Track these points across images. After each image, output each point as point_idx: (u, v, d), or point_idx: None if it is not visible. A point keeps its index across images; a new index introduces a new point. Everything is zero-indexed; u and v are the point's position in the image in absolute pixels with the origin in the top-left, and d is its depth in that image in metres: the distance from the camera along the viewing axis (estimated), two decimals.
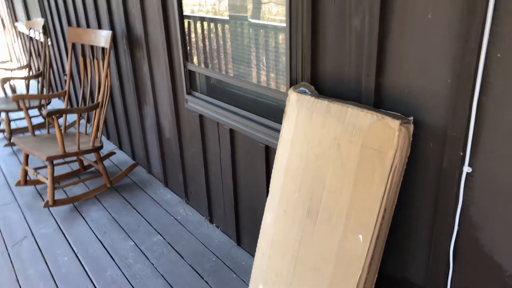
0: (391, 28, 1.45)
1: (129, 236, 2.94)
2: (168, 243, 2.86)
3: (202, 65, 2.64)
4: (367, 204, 1.50)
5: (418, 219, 1.56)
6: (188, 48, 2.70)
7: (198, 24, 2.62)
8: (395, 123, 1.40)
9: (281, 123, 1.97)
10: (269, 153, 2.23)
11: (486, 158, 1.29)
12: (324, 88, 1.77)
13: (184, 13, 2.61)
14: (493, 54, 1.20)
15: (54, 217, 3.21)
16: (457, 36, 1.27)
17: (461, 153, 1.34)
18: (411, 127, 1.43)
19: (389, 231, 1.60)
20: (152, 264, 2.66)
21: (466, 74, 1.26)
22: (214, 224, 3.04)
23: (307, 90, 1.76)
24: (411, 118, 1.43)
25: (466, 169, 1.34)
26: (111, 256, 2.73)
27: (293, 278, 1.75)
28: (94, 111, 3.36)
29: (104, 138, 4.68)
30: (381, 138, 1.45)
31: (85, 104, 4.80)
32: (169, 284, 2.47)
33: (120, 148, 4.38)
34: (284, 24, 1.85)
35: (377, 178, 1.46)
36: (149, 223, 3.09)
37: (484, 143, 1.28)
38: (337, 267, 1.58)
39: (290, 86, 1.87)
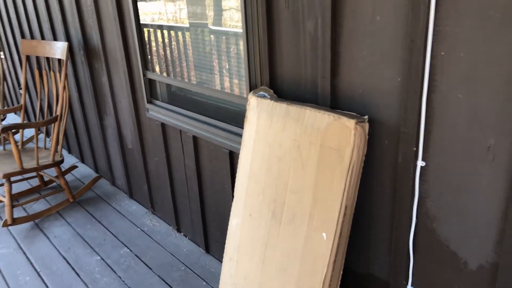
0: (343, 31, 1.50)
1: (94, 251, 2.87)
2: (135, 255, 2.82)
3: (163, 73, 2.63)
4: (328, 202, 1.54)
5: (378, 214, 1.61)
6: (148, 56, 2.68)
7: (159, 33, 2.61)
8: (350, 123, 1.45)
9: (243, 128, 1.99)
10: (233, 158, 2.24)
11: (438, 152, 1.35)
12: (283, 91, 1.80)
13: (144, 22, 2.59)
14: (437, 52, 1.26)
15: (14, 236, 3.09)
16: (404, 37, 1.33)
17: (414, 149, 1.40)
18: (367, 125, 1.48)
19: (352, 228, 1.64)
20: (120, 277, 2.61)
21: (414, 73, 1.32)
22: (182, 233, 3.02)
23: (266, 94, 1.79)
24: (366, 117, 1.49)
25: (420, 163, 1.41)
26: (76, 272, 2.66)
27: (261, 280, 1.76)
28: (53, 124, 3.27)
29: (65, 152, 4.56)
30: (339, 137, 1.49)
31: (43, 118, 4.66)
32: None
33: (82, 161, 4.27)
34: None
35: (337, 177, 1.50)
36: (115, 236, 3.03)
37: (434, 138, 1.35)
38: (303, 265, 1.61)
39: (250, 91, 1.90)
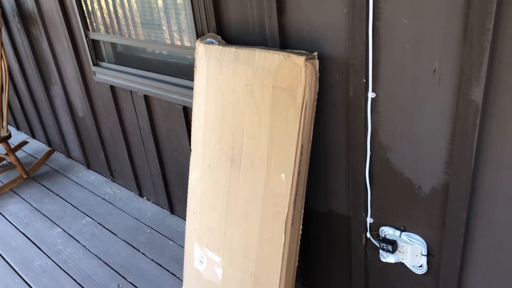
0: None
1: (55, 223, 2.79)
2: (98, 223, 2.76)
3: (107, 33, 2.50)
4: (284, 143, 1.53)
5: (334, 151, 1.63)
6: (88, 16, 2.53)
7: None
8: (300, 60, 1.43)
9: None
10: (187, 114, 2.19)
11: (387, 82, 1.37)
12: (231, 36, 1.75)
13: None
14: None
15: None
16: None
17: (364, 80, 1.40)
18: (317, 62, 1.47)
19: (310, 168, 1.66)
20: (84, 246, 2.56)
21: (359, 2, 1.30)
22: (145, 198, 2.98)
23: (214, 41, 1.73)
24: (315, 53, 1.47)
25: (370, 94, 1.42)
26: (37, 246, 2.58)
27: (226, 228, 1.77)
28: None
29: (14, 130, 4.33)
30: (290, 76, 1.47)
31: None
32: (105, 263, 2.40)
33: (33, 137, 4.09)
34: None
35: (291, 116, 1.50)
36: (75, 207, 2.95)
37: (383, 67, 1.35)
38: (265, 208, 1.62)
39: (197, 39, 1.83)
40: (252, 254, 1.69)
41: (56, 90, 3.24)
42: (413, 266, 1.57)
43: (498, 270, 1.35)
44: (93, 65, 2.64)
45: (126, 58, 2.52)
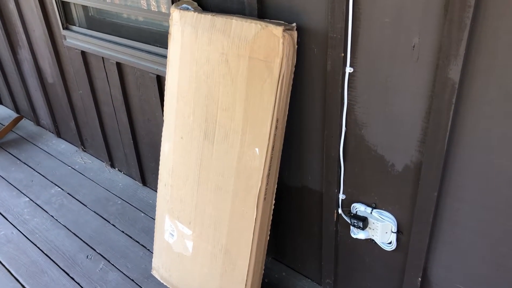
0: None
1: (22, 192, 2.71)
2: (67, 193, 2.69)
3: None
4: (259, 116, 1.50)
5: (309, 126, 1.61)
6: None
7: None
8: (278, 30, 1.38)
9: None
10: (161, 83, 2.12)
11: (365, 57, 1.34)
12: (207, 3, 1.68)
13: None
14: None
15: None
16: None
17: (342, 54, 1.37)
18: (295, 33, 1.43)
19: (285, 143, 1.63)
20: (52, 216, 2.49)
21: None
22: (116, 168, 2.91)
23: (190, 7, 1.66)
24: (294, 24, 1.42)
25: (348, 69, 1.39)
26: (2, 215, 2.51)
27: (197, 201, 1.74)
28: None
29: None
30: (267, 47, 1.42)
31: None
32: (73, 233, 2.35)
33: (0, 102, 3.92)
34: None
35: (267, 89, 1.46)
36: (43, 177, 2.86)
37: (362, 42, 1.32)
38: (238, 182, 1.59)
39: (172, 4, 1.75)
40: (223, 227, 1.68)
41: (24, 54, 3.09)
42: (383, 242, 1.59)
43: (464, 249, 1.38)
44: (63, 28, 2.51)
45: (99, 22, 2.40)
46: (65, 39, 2.54)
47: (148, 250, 2.22)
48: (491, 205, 1.26)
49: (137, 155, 2.61)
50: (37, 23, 2.74)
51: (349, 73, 1.39)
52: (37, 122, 3.51)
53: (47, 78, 3.03)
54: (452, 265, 1.43)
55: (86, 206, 2.57)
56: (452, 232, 1.39)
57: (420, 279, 1.53)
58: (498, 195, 1.23)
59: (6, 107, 3.86)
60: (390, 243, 1.57)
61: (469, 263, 1.39)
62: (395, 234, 1.53)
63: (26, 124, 3.56)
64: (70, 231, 2.37)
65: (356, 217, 1.59)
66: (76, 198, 2.65)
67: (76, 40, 2.46)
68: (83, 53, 2.49)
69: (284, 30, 1.38)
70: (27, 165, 3.00)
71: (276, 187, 1.63)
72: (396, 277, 1.63)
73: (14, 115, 3.70)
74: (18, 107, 3.68)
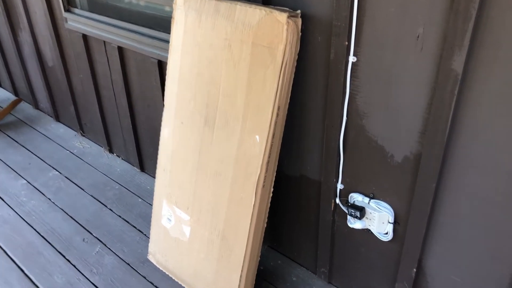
0: None
1: (19, 175, 2.70)
2: (65, 177, 2.69)
3: None
4: (261, 103, 1.50)
5: (310, 114, 1.61)
6: None
7: None
8: (282, 17, 1.37)
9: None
10: (162, 69, 2.11)
11: (369, 46, 1.33)
12: None
13: None
14: None
15: None
16: None
17: (346, 43, 1.36)
18: (299, 21, 1.42)
19: (285, 131, 1.63)
20: (49, 199, 2.49)
21: None
22: (115, 154, 2.91)
23: None
24: (299, 11, 1.42)
25: (351, 58, 1.39)
26: None
27: (196, 187, 1.74)
28: None
29: None
30: (271, 34, 1.42)
31: None
32: (70, 216, 2.36)
33: None
34: None
35: (269, 76, 1.46)
36: (42, 160, 2.86)
37: (366, 31, 1.32)
38: (237, 169, 1.60)
39: None
40: (221, 214, 1.68)
41: (25, 36, 3.07)
42: (379, 233, 1.60)
43: (460, 241, 1.39)
44: (65, 11, 2.49)
45: (101, 5, 2.38)
46: (67, 21, 2.52)
47: (145, 235, 2.22)
48: (489, 198, 1.27)
49: (136, 140, 2.61)
50: (38, 5, 2.72)
51: (352, 62, 1.39)
52: (36, 106, 3.50)
53: (47, 61, 3.01)
54: (447, 257, 1.45)
55: (83, 190, 2.57)
56: (449, 224, 1.39)
57: (415, 270, 1.54)
58: (496, 188, 1.24)
59: (5, 89, 3.84)
60: (386, 233, 1.57)
61: (464, 255, 1.40)
62: (391, 225, 1.54)
63: (25, 107, 3.55)
64: (67, 214, 2.38)
65: (354, 207, 1.59)
66: (74, 182, 2.64)
67: (77, 23, 2.45)
68: (85, 37, 2.47)
69: (288, 17, 1.37)
70: (25, 148, 3.00)
71: (275, 175, 1.63)
72: (391, 267, 1.64)
73: (13, 97, 3.68)
74: (17, 90, 3.66)
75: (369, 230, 1.62)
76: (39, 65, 3.07)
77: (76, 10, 2.47)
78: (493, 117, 1.17)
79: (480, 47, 1.11)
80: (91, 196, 2.52)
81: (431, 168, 1.33)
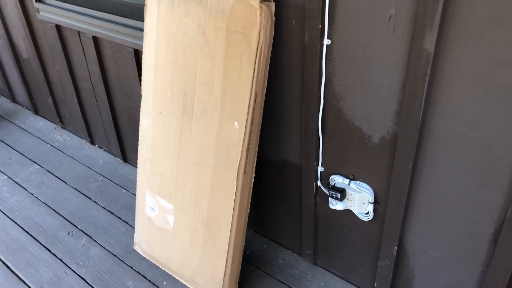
0: None
1: (0, 171, 2.67)
2: (47, 171, 2.66)
3: None
4: (238, 90, 1.49)
5: (288, 99, 1.61)
6: None
7: None
8: (255, 2, 1.36)
9: None
10: (139, 58, 2.09)
11: (342, 28, 1.33)
12: None
13: None
14: None
15: None
16: None
17: (320, 26, 1.36)
18: (273, 5, 1.41)
19: (264, 117, 1.63)
20: (32, 194, 2.47)
21: None
22: (97, 145, 2.88)
23: None
24: None
25: (326, 41, 1.38)
26: None
27: (178, 175, 1.74)
28: None
29: None
30: (245, 19, 1.41)
31: None
32: (54, 210, 2.34)
33: None
34: None
35: (245, 62, 1.45)
36: (22, 154, 2.82)
37: (339, 13, 1.31)
38: (218, 157, 1.60)
39: None
40: (204, 201, 1.69)
41: None
42: (360, 213, 1.62)
43: (438, 218, 1.42)
44: (36, 1, 2.43)
45: None
46: (39, 12, 2.46)
47: (130, 225, 2.22)
48: (464, 175, 1.29)
49: (117, 131, 2.59)
50: None
51: (326, 45, 1.39)
52: (13, 99, 3.44)
53: (21, 54, 2.94)
54: (426, 233, 1.48)
55: (66, 183, 2.55)
56: (427, 202, 1.42)
57: (396, 247, 1.57)
58: (471, 164, 1.26)
59: None
60: (367, 213, 1.60)
61: (442, 231, 1.43)
62: (372, 205, 1.57)
63: (2, 101, 3.48)
64: (51, 208, 2.36)
65: (335, 188, 1.61)
66: (56, 175, 2.62)
67: (50, 13, 2.39)
68: (58, 27, 2.42)
69: (261, 2, 1.36)
70: (4, 143, 2.95)
71: (256, 161, 1.64)
72: (374, 246, 1.67)
73: None
74: None
75: (351, 211, 1.64)
76: (14, 58, 3.01)
77: (48, 0, 2.41)
78: (465, 95, 1.18)
79: (450, 26, 1.12)
80: (75, 189, 2.50)
81: (408, 148, 1.35)
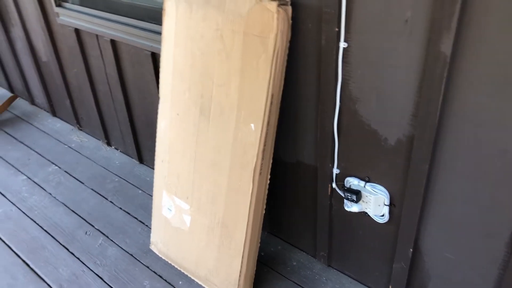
0: None
1: (19, 171, 2.73)
2: (65, 171, 2.71)
3: None
4: (255, 92, 1.51)
5: (304, 101, 1.63)
6: None
7: None
8: (272, 5, 1.38)
9: None
10: (156, 61, 2.12)
11: (359, 31, 1.35)
12: None
13: None
14: None
15: None
16: None
17: (337, 29, 1.38)
18: (289, 8, 1.43)
19: (280, 118, 1.65)
20: (50, 194, 2.52)
21: None
22: (113, 147, 2.93)
23: None
24: None
25: (342, 44, 1.40)
26: (1, 193, 2.53)
27: (194, 177, 1.77)
28: None
29: None
30: (261, 23, 1.43)
31: None
32: (72, 210, 2.39)
33: None
34: None
35: (262, 65, 1.47)
36: (40, 155, 2.88)
37: (355, 16, 1.33)
38: (234, 158, 1.62)
39: None
40: (220, 202, 1.71)
41: (17, 32, 3.06)
42: (376, 215, 1.63)
43: (454, 220, 1.42)
44: (56, 5, 2.49)
45: None
46: (58, 16, 2.51)
47: (146, 226, 2.26)
48: (481, 177, 1.29)
49: (133, 133, 2.63)
50: (29, 0, 2.70)
51: (343, 48, 1.40)
52: (32, 101, 3.51)
53: (41, 57, 3.01)
54: (442, 235, 1.48)
55: (83, 183, 2.60)
56: (443, 204, 1.42)
57: (411, 250, 1.57)
58: (487, 166, 1.27)
59: (1, 86, 3.84)
60: (382, 215, 1.61)
61: (458, 233, 1.43)
62: (387, 207, 1.57)
63: (21, 104, 3.56)
64: (69, 208, 2.41)
65: (350, 190, 1.62)
66: (73, 176, 2.67)
67: (69, 17, 2.44)
68: (77, 31, 2.47)
69: (278, 5, 1.38)
70: (23, 144, 3.01)
71: (271, 162, 1.65)
72: (389, 248, 1.67)
73: (9, 94, 3.68)
74: (12, 86, 3.66)
75: (366, 213, 1.65)
76: (33, 61, 3.07)
77: (67, 5, 2.46)
78: (482, 97, 1.18)
79: (467, 29, 1.12)
80: (91, 189, 2.55)
81: (424, 150, 1.35)
